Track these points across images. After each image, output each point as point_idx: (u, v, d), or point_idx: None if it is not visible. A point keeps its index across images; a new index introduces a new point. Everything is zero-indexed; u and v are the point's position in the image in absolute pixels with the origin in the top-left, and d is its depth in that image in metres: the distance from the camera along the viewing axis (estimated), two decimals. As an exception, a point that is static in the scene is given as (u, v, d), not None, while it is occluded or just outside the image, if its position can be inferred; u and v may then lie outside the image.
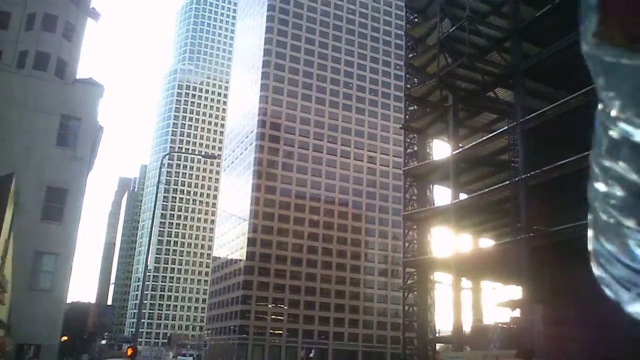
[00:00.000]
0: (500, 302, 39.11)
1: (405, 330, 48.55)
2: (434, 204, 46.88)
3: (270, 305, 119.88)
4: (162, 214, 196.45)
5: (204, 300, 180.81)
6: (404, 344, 49.86)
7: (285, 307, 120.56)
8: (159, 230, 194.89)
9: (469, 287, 44.42)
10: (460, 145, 40.45)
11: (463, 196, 40.92)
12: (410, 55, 48.82)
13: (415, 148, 48.15)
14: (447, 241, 43.64)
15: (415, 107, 48.24)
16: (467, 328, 40.39)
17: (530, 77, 34.04)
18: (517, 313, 34.81)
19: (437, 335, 48.77)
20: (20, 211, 24.49)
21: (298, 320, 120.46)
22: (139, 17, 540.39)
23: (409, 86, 47.99)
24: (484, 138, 37.06)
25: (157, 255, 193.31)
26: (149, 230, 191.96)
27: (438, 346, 49.77)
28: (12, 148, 29.58)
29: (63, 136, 32.51)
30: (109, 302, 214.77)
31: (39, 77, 34.89)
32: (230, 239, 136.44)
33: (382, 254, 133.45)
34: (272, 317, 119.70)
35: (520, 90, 34.02)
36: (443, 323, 49.95)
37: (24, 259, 27.94)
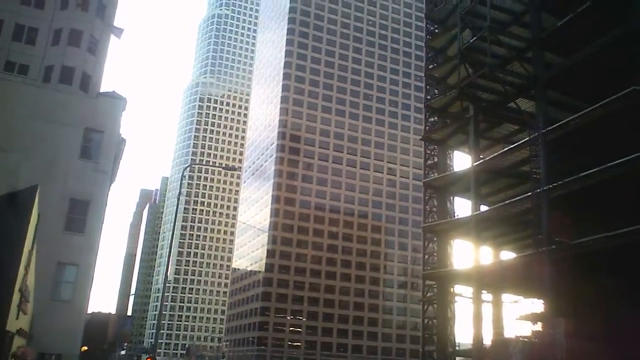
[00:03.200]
0: (521, 315, 38.44)
1: (424, 344, 47.95)
2: (454, 216, 46.44)
3: (288, 317, 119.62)
4: (182, 226, 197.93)
5: (223, 312, 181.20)
6: (423, 358, 49.30)
7: (304, 319, 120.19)
8: (179, 242, 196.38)
9: (489, 300, 43.83)
10: (481, 156, 40.06)
11: (484, 208, 40.48)
12: (431, 67, 48.64)
13: (436, 159, 47.79)
14: (467, 253, 43.19)
15: (436, 118, 47.94)
16: (487, 342, 39.78)
17: (552, 87, 33.68)
18: (539, 327, 34.21)
19: (457, 348, 48.07)
20: (43, 222, 24.83)
21: (316, 332, 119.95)
22: (160, 30, 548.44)
23: (429, 97, 47.76)
24: (505, 149, 36.63)
25: (177, 267, 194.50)
26: (169, 241, 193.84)
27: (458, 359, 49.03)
28: (36, 160, 30.11)
29: (86, 149, 32.99)
30: (129, 313, 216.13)
31: (63, 91, 35.57)
32: (249, 251, 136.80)
33: (402, 266, 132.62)
34: (291, 329, 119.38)
35: (541, 100, 33.65)
36: (463, 336, 49.32)
37: (46, 269, 28.30)
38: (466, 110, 41.38)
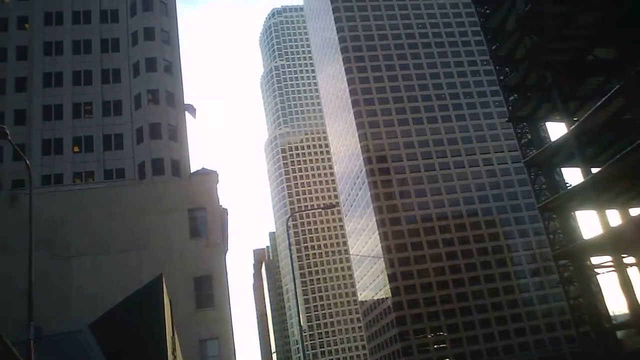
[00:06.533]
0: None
1: (577, 326, 45.15)
2: (566, 188, 44.05)
3: (429, 336, 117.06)
4: (301, 274, 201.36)
5: (363, 347, 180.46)
6: (580, 340, 46.32)
7: (445, 334, 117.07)
8: (302, 290, 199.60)
9: (633, 262, 40.71)
10: (575, 119, 38.08)
11: (596, 170, 38.13)
12: (493, 47, 47.36)
13: (529, 136, 45.94)
14: (593, 222, 40.66)
15: (515, 95, 46.36)
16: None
17: (628, 25, 31.65)
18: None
19: (614, 322, 44.79)
20: (176, 305, 26.24)
21: (461, 343, 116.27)
22: (226, 97, 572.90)
23: (502, 77, 46.36)
24: (599, 103, 34.58)
25: (307, 314, 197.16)
26: (293, 292, 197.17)
27: (619, 333, 45.57)
28: (154, 251, 32.10)
29: (194, 228, 34.77)
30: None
31: (159, 182, 38.01)
32: (371, 280, 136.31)
33: (529, 253, 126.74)
34: (435, 347, 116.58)
35: (620, 42, 31.67)
36: (616, 309, 45.94)
37: (191, 348, 29.72)
38: (544, 78, 39.71)
